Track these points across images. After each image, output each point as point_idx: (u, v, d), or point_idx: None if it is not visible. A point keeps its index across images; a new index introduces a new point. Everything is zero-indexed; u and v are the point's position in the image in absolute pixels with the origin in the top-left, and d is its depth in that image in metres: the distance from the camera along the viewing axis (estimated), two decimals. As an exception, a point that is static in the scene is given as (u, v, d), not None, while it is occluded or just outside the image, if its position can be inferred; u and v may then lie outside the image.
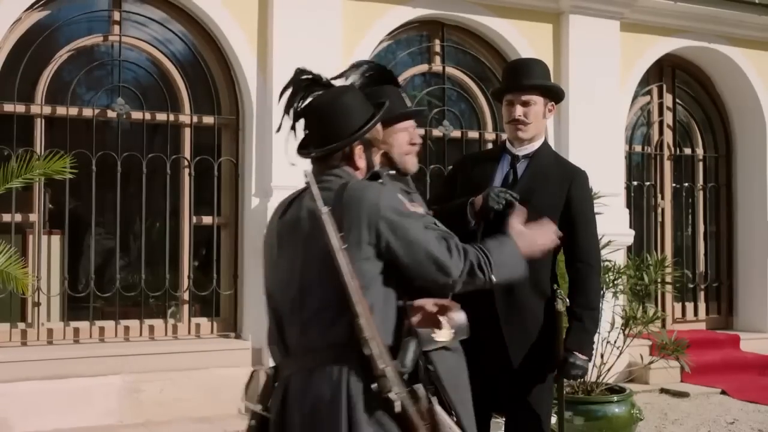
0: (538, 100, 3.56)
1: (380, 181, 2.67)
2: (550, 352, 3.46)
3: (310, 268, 2.54)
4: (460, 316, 2.59)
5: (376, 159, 2.79)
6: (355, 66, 3.02)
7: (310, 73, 2.77)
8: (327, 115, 2.67)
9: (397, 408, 2.42)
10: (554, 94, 3.65)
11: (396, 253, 2.52)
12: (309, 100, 2.73)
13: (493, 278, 2.62)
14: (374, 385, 2.42)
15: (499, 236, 2.75)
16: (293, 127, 2.77)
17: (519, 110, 3.54)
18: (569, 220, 3.47)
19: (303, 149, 2.73)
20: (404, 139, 3.00)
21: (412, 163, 3.05)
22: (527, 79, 3.58)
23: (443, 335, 2.54)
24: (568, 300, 3.51)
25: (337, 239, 2.43)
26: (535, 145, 3.61)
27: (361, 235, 2.49)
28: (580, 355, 3.42)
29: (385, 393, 2.42)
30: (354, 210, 2.51)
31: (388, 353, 2.45)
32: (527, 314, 3.45)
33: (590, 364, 3.54)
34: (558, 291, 3.48)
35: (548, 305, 3.50)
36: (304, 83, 2.75)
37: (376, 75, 3.03)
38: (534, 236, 2.80)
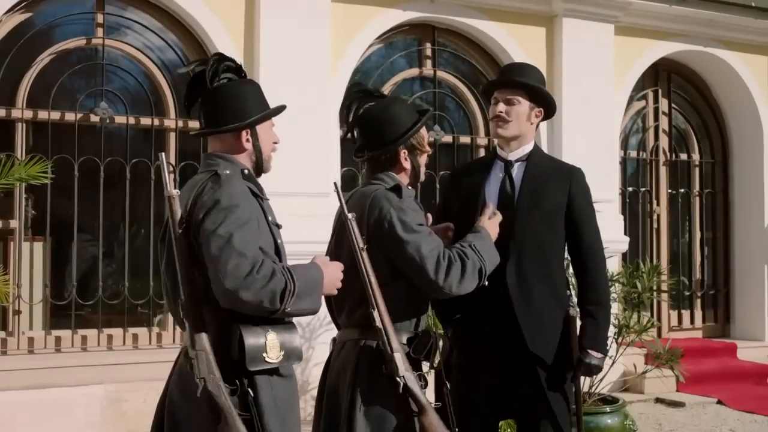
0: (522, 101, 3.55)
1: (400, 195, 3.03)
2: (566, 354, 3.47)
3: (345, 262, 2.90)
4: (293, 339, 2.74)
5: (422, 160, 3.20)
6: (213, 60, 2.84)
7: (362, 85, 3.32)
8: (377, 123, 3.12)
9: (401, 389, 2.89)
10: (543, 101, 3.61)
11: (395, 260, 2.98)
12: (363, 110, 3.18)
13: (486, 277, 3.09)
14: (383, 367, 2.90)
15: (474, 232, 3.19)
16: (351, 135, 3.23)
17: (501, 106, 3.55)
18: (573, 220, 3.52)
19: (359, 153, 3.19)
20: (271, 138, 2.88)
21: (270, 163, 2.91)
22: (515, 77, 3.59)
23: (273, 356, 2.66)
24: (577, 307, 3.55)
25: (358, 241, 2.88)
26: (526, 148, 3.59)
27: (372, 241, 2.95)
28: (595, 354, 3.45)
29: (394, 375, 2.88)
30: (371, 219, 2.98)
31: (397, 341, 2.91)
32: (545, 317, 3.46)
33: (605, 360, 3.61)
34: (570, 298, 3.56)
35: (564, 308, 3.52)
36: (358, 95, 3.22)
37: (236, 70, 2.88)
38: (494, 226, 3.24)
